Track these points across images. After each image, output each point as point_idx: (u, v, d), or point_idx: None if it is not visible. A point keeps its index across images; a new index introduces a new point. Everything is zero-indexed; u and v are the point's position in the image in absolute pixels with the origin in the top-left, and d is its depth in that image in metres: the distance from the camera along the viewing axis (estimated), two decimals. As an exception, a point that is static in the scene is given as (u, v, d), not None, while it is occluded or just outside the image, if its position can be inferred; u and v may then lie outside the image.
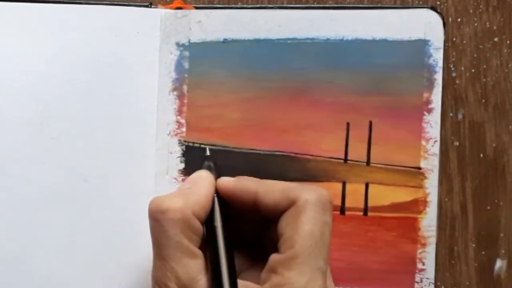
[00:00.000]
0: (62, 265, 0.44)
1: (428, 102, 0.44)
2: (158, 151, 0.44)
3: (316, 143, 0.44)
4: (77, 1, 0.44)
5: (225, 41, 0.45)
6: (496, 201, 0.46)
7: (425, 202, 0.44)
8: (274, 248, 0.36)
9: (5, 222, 0.43)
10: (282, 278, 0.35)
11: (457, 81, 0.46)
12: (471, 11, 0.46)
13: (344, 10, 0.45)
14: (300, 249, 0.35)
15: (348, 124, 0.44)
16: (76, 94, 0.44)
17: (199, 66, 0.45)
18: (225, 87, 0.45)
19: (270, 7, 0.45)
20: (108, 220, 0.44)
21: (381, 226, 0.44)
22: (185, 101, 0.45)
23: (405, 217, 0.44)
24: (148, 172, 0.44)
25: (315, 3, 0.46)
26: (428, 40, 0.44)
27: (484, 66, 0.46)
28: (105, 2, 0.45)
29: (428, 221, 0.44)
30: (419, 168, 0.44)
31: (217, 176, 0.39)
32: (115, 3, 0.45)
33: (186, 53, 0.45)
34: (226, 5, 0.46)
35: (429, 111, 0.44)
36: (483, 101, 0.46)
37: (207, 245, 0.37)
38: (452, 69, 0.46)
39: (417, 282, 0.44)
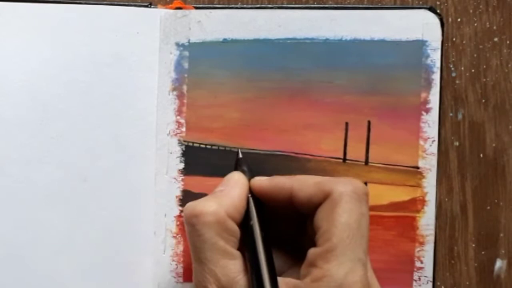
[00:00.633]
0: (61, 265, 0.44)
1: (426, 102, 0.44)
2: (157, 151, 0.44)
3: (315, 143, 0.44)
4: (77, 1, 0.44)
5: (225, 41, 0.45)
6: (496, 201, 0.46)
7: (423, 201, 0.44)
8: (312, 243, 0.36)
9: (5, 222, 0.43)
10: (321, 270, 0.34)
11: (457, 81, 0.46)
12: (471, 11, 0.46)
13: (343, 10, 0.45)
14: (338, 241, 0.35)
15: (346, 124, 0.45)
16: (75, 94, 0.44)
17: (198, 66, 0.45)
18: (225, 87, 0.45)
19: (270, 7, 0.45)
20: (108, 220, 0.44)
21: (380, 225, 0.44)
22: (185, 101, 0.45)
23: (403, 216, 0.44)
24: (147, 172, 0.44)
25: (314, 3, 0.46)
26: (426, 41, 0.44)
27: (484, 66, 0.46)
28: (105, 2, 0.45)
29: (426, 220, 0.44)
30: (417, 168, 0.44)
31: (251, 177, 0.39)
32: (115, 3, 0.45)
33: (186, 53, 0.45)
34: (226, 5, 0.46)
35: (427, 111, 0.44)
36: (483, 101, 0.46)
37: (245, 245, 0.37)
38: (452, 69, 0.46)
39: (415, 280, 0.44)
